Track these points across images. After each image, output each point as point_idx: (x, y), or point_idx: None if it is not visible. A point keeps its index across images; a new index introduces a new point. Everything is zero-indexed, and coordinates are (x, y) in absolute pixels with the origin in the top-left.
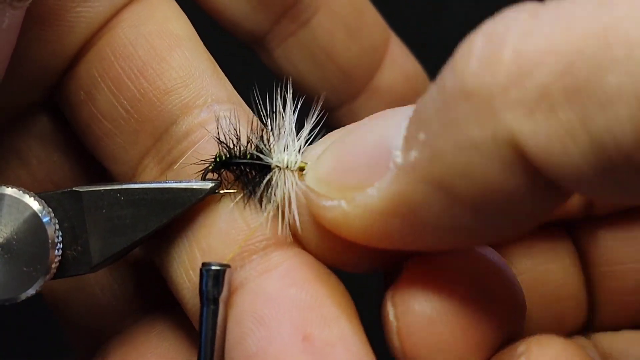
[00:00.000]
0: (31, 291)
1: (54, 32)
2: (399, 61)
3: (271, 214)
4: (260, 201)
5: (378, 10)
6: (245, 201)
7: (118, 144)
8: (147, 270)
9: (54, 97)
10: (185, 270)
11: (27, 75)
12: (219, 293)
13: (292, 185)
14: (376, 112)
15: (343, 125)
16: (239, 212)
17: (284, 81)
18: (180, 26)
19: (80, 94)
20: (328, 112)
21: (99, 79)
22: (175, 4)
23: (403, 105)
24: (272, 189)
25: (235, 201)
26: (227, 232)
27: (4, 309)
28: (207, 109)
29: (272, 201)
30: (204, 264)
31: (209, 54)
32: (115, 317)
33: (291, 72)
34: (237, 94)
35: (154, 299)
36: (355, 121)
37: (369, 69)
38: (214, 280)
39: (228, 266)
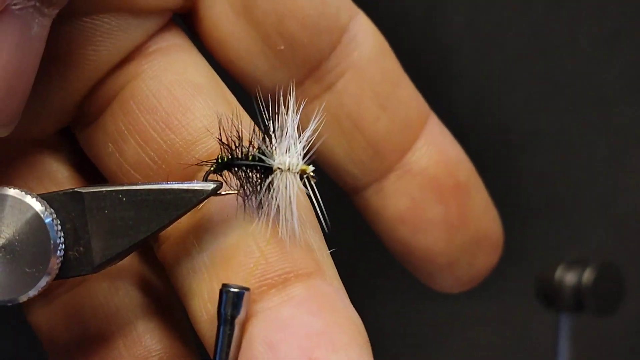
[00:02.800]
0: (33, 292)
1: (66, 70)
2: (436, 141)
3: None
4: (260, 203)
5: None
6: (245, 203)
7: None
8: (140, 278)
9: (77, 146)
10: (203, 303)
11: (37, 110)
12: (237, 315)
13: (293, 187)
14: (407, 194)
15: (372, 209)
16: (255, 244)
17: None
18: (200, 73)
19: (109, 146)
20: (355, 193)
21: (126, 132)
22: (194, 48)
23: (438, 190)
24: (273, 191)
25: (253, 226)
26: (246, 264)
27: None
28: None
29: (273, 206)
30: (224, 285)
31: (229, 95)
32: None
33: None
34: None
35: (144, 305)
36: (385, 205)
37: (401, 145)
38: (232, 301)
39: (247, 289)
